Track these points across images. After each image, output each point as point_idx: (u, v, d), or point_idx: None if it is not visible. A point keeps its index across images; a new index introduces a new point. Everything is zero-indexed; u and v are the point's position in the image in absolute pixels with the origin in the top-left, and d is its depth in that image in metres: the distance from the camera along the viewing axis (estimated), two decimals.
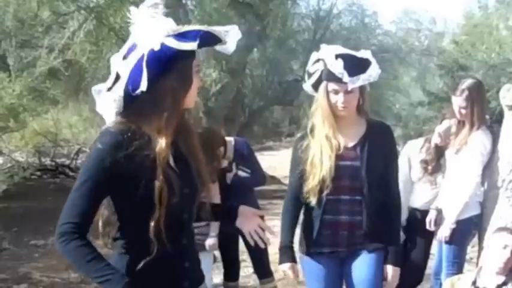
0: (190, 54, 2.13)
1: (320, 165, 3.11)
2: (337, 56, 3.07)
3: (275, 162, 13.89)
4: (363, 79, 3.08)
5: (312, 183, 3.14)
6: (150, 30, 2.10)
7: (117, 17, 8.49)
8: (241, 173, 4.74)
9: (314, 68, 3.26)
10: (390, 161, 3.27)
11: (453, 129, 4.53)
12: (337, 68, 3.05)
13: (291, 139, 17.71)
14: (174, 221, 2.15)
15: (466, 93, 4.31)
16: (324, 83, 3.16)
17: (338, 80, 3.08)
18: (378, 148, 3.18)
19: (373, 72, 3.12)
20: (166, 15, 2.17)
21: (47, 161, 13.93)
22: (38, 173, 12.94)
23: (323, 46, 3.25)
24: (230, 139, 4.87)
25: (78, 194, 2.04)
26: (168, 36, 2.08)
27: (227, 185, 4.67)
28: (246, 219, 2.51)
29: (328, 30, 16.01)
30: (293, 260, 3.32)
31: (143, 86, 2.05)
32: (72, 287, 6.36)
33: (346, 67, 3.04)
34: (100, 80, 9.75)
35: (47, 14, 9.31)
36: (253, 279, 5.07)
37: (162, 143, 2.08)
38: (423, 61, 19.96)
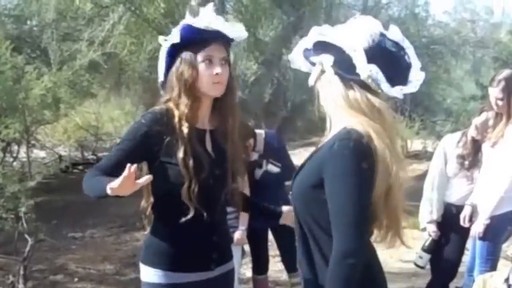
0: (182, 46, 2.43)
1: None
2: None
3: None
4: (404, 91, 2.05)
5: None
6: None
7: (151, 7, 8.47)
8: (271, 167, 4.63)
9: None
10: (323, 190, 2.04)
11: (491, 122, 4.36)
12: (370, 71, 2.02)
13: None
14: (206, 196, 2.43)
15: (502, 84, 4.18)
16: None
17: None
18: (313, 168, 2.12)
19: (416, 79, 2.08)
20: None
21: (89, 155, 14.17)
22: (80, 167, 13.09)
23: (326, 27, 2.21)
24: (260, 132, 4.77)
25: (113, 150, 2.46)
26: None
27: (256, 179, 4.57)
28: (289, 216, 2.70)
29: None
30: None
31: (160, 76, 2.54)
32: (106, 278, 6.46)
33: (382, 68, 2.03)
34: (141, 74, 9.71)
35: (89, 6, 9.35)
36: (285, 275, 5.03)
37: (181, 123, 2.43)
38: (478, 53, 19.38)
